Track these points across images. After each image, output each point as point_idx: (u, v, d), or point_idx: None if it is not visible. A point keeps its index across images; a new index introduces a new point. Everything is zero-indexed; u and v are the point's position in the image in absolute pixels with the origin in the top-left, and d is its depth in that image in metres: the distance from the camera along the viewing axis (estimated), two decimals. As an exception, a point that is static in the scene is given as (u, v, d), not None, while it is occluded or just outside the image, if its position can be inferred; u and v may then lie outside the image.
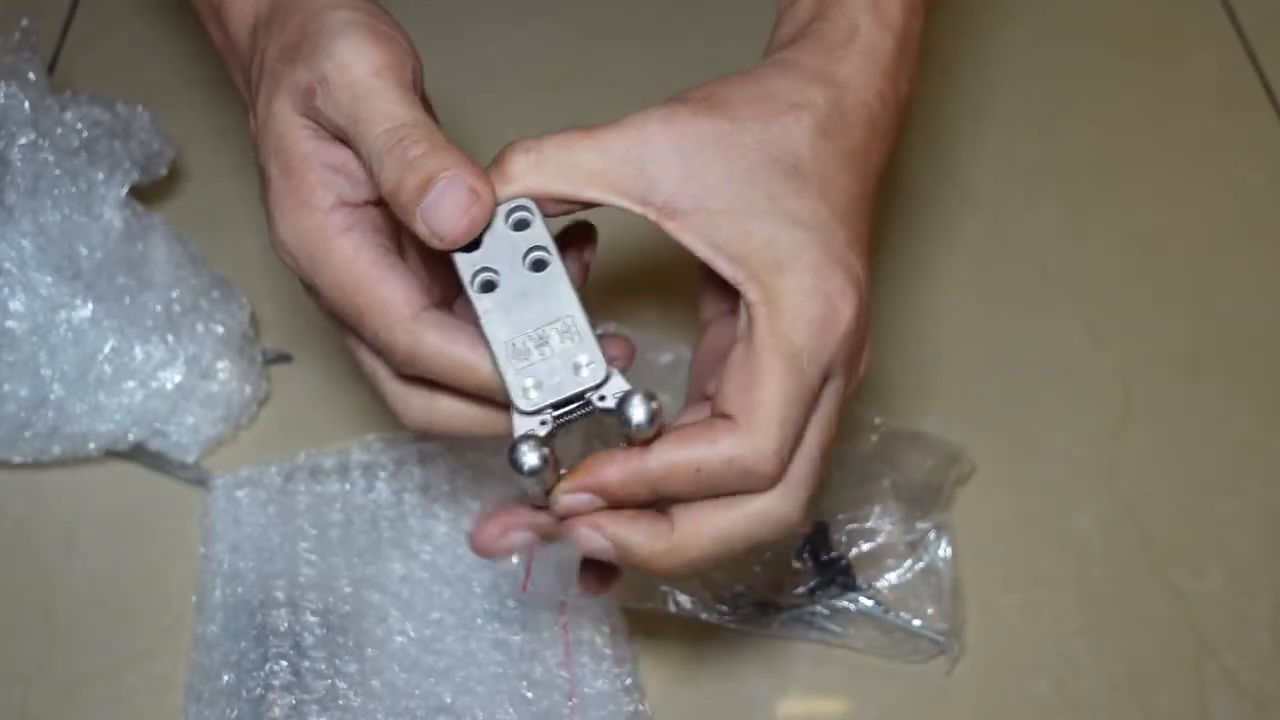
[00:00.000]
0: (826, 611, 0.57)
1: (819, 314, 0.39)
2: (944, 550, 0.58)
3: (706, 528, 0.40)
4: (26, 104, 0.60)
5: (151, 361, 0.60)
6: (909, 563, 0.58)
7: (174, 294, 0.61)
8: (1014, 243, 0.71)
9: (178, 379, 0.60)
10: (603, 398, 0.39)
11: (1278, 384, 0.66)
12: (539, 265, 0.40)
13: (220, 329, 0.62)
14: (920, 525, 0.59)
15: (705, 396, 0.43)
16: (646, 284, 0.67)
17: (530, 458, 0.38)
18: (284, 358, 0.65)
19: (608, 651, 0.55)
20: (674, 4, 0.82)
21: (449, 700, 0.54)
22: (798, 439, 0.40)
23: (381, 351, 0.42)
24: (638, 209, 0.40)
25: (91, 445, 0.60)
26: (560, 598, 0.56)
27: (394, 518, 0.59)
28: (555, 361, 0.39)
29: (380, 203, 0.43)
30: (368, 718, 0.54)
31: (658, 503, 0.40)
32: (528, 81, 0.78)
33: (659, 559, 0.40)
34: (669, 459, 0.39)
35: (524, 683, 0.55)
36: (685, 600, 0.57)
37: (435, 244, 0.40)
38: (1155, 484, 0.62)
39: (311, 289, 0.44)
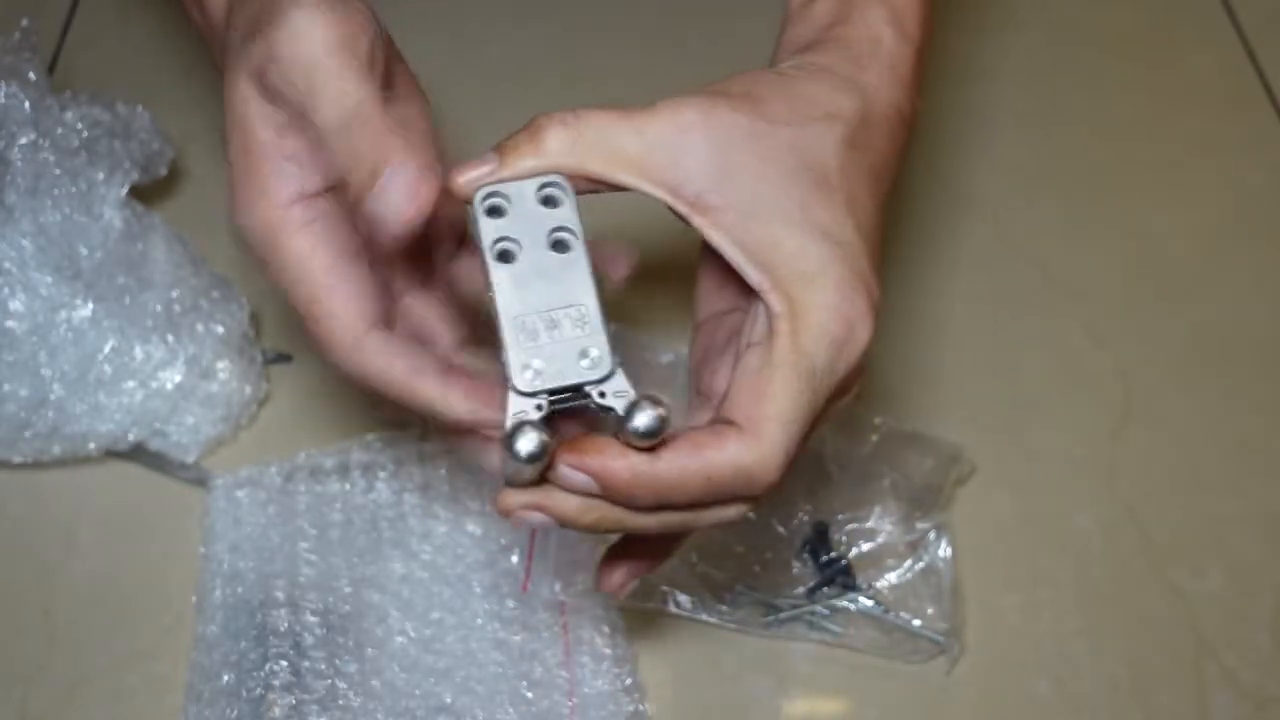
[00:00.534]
0: (826, 611, 0.57)
1: (839, 335, 0.39)
2: (944, 550, 0.58)
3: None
4: (27, 104, 0.60)
5: (151, 361, 0.60)
6: (909, 563, 0.58)
7: (174, 294, 0.61)
8: (1014, 243, 0.71)
9: (178, 379, 0.60)
10: (603, 394, 0.38)
11: (1278, 384, 0.66)
12: (562, 246, 0.39)
13: (220, 329, 0.62)
14: (920, 525, 0.59)
15: (701, 394, 0.43)
16: (646, 283, 0.67)
17: (530, 443, 0.37)
18: (284, 358, 0.65)
19: (608, 651, 0.55)
20: (674, 4, 0.82)
21: (449, 700, 0.54)
22: (798, 454, 0.39)
23: (326, 360, 0.42)
24: (668, 199, 0.39)
25: (91, 445, 0.60)
26: (560, 598, 0.56)
27: (394, 518, 0.59)
28: (562, 347, 0.38)
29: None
30: (368, 718, 0.54)
31: (653, 509, 0.39)
32: (527, 81, 0.78)
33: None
34: (682, 466, 0.38)
35: (524, 683, 0.55)
36: (685, 600, 0.57)
37: (384, 235, 0.39)
38: (1155, 484, 0.62)
39: (263, 272, 0.43)
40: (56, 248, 0.59)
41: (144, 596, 0.58)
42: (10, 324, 0.58)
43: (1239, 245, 0.72)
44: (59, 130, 0.60)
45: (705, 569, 0.58)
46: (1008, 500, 0.62)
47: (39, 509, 0.61)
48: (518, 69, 0.79)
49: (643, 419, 0.37)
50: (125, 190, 0.61)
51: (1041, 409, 0.65)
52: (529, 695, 0.54)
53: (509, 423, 0.37)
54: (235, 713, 0.53)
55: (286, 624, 0.56)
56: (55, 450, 0.60)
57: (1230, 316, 0.68)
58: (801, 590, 0.58)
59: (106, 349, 0.59)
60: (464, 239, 0.48)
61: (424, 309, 0.46)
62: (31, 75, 0.62)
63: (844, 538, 0.59)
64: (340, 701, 0.54)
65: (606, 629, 0.56)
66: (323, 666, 0.54)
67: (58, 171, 0.60)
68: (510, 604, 0.57)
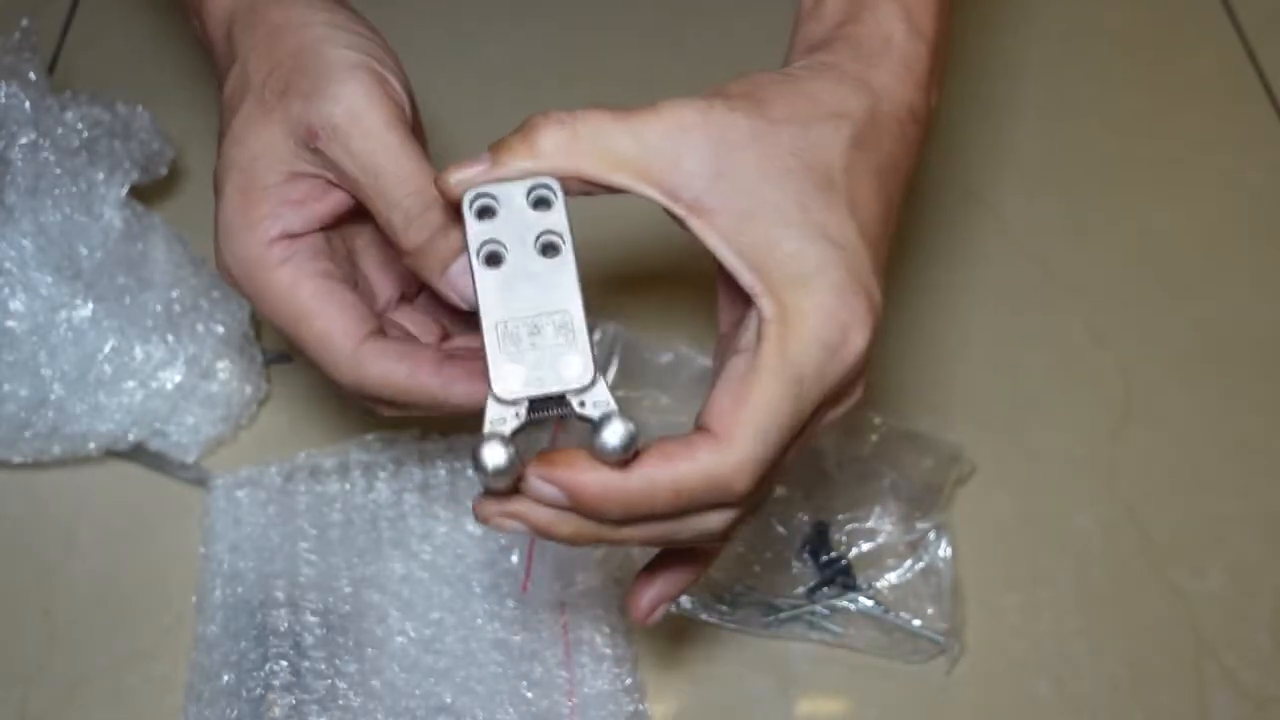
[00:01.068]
0: (826, 611, 0.57)
1: (831, 340, 0.38)
2: (944, 550, 0.58)
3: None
4: (27, 104, 0.60)
5: (151, 361, 0.60)
6: (909, 563, 0.58)
7: (174, 294, 0.61)
8: (1015, 242, 0.71)
9: (178, 379, 0.60)
10: (582, 404, 0.37)
11: (1278, 384, 0.66)
12: (550, 250, 0.38)
13: (220, 329, 0.62)
14: (920, 525, 0.59)
15: None
16: (646, 282, 0.67)
17: (496, 456, 0.36)
18: (284, 358, 0.65)
19: (608, 651, 0.55)
20: (674, 4, 0.82)
21: (449, 700, 0.54)
22: (777, 464, 0.38)
23: (328, 378, 0.43)
24: (664, 201, 0.39)
25: (91, 445, 0.60)
26: (560, 598, 0.56)
27: (394, 518, 0.59)
28: (544, 354, 0.37)
29: (325, 228, 0.45)
30: (368, 718, 0.54)
31: (628, 522, 0.38)
32: (525, 81, 0.77)
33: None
34: (650, 478, 0.37)
35: (524, 683, 0.55)
36: (685, 600, 0.57)
37: (460, 304, 0.42)
38: (1155, 484, 0.62)
39: (256, 310, 0.45)
40: (57, 247, 0.59)
41: (144, 596, 0.58)
42: (10, 324, 0.58)
43: (1239, 244, 0.72)
44: (59, 130, 0.61)
45: (705, 569, 0.58)
46: (1008, 500, 0.62)
47: (39, 509, 0.61)
48: (515, 69, 0.78)
49: (610, 436, 0.36)
50: (125, 190, 0.61)
51: (1041, 408, 0.65)
52: (529, 695, 0.54)
53: (485, 428, 0.37)
54: (235, 713, 0.53)
55: (286, 624, 0.56)
56: (55, 450, 0.60)
57: (1231, 315, 0.68)
58: (801, 590, 0.58)
59: (106, 349, 0.59)
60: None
61: (405, 318, 0.48)
62: (32, 75, 0.62)
63: (844, 538, 0.59)
64: (340, 701, 0.54)
65: (606, 629, 0.56)
66: (323, 666, 0.55)
67: (58, 171, 0.60)
68: (510, 604, 0.57)
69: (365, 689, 0.54)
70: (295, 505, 0.59)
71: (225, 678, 0.54)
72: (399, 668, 0.55)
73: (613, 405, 0.37)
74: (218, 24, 0.46)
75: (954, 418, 0.63)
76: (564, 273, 0.38)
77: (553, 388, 0.37)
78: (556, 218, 0.38)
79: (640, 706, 0.55)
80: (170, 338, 0.60)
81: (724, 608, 0.57)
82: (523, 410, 0.37)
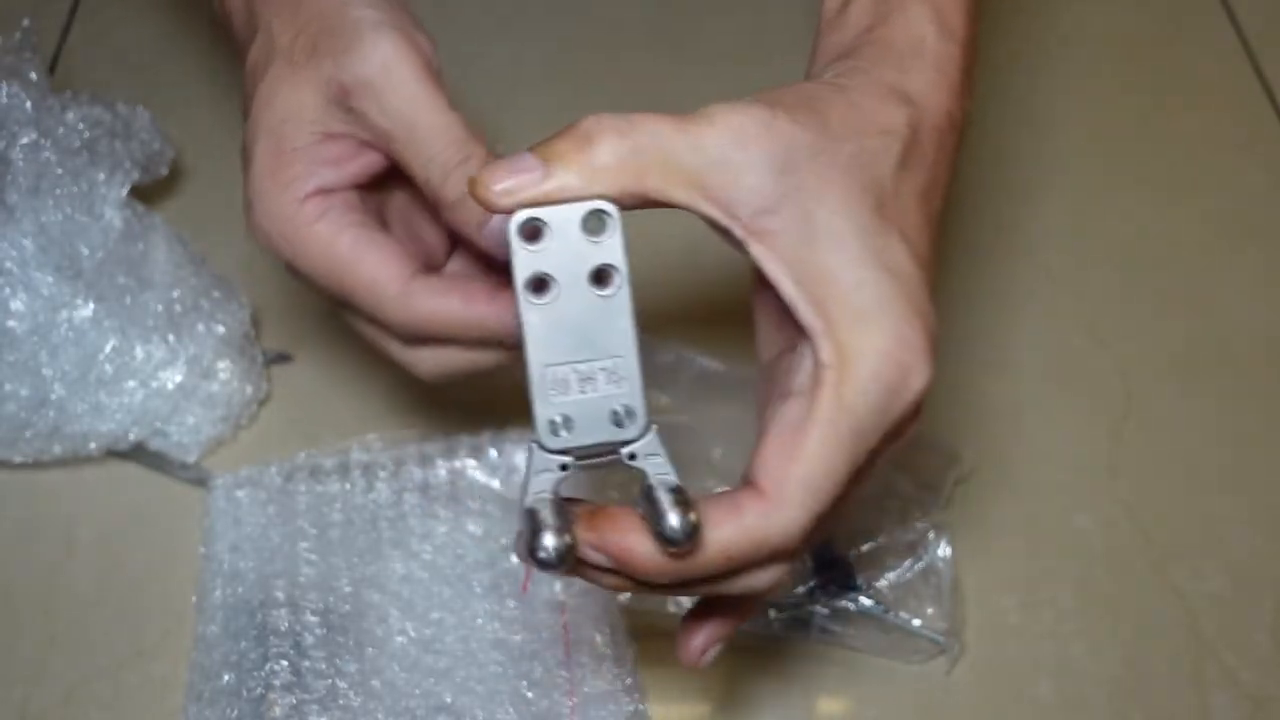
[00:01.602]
0: (826, 611, 0.57)
1: (892, 383, 0.35)
2: (944, 550, 0.58)
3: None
4: (28, 104, 0.60)
5: (152, 361, 0.60)
6: (909, 563, 0.58)
7: (175, 294, 0.61)
8: (1015, 242, 0.71)
9: (178, 379, 0.60)
10: (633, 456, 0.35)
11: (1278, 384, 0.66)
12: (604, 284, 0.35)
13: (221, 329, 0.62)
14: (920, 525, 0.59)
15: None
16: (646, 282, 0.67)
17: (552, 547, 0.34)
18: (284, 358, 0.65)
19: (608, 651, 0.55)
20: (678, 5, 0.82)
21: (449, 700, 0.54)
22: (829, 515, 0.36)
23: (381, 325, 0.43)
24: (723, 220, 0.35)
25: (92, 445, 0.60)
26: (560, 598, 0.56)
27: (394, 518, 0.59)
28: (594, 402, 0.34)
29: (361, 187, 0.44)
30: (368, 717, 0.54)
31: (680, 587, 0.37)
32: (527, 81, 0.77)
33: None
34: (698, 544, 0.35)
35: (524, 683, 0.55)
36: (685, 600, 0.57)
37: (499, 256, 0.40)
38: (1155, 484, 0.62)
39: (294, 272, 0.44)
40: (57, 247, 0.59)
41: (144, 596, 0.58)
42: (11, 324, 0.58)
43: (1239, 245, 0.72)
44: (60, 130, 0.61)
45: (705, 569, 0.58)
46: (1008, 500, 0.62)
47: (39, 509, 0.61)
48: (516, 69, 0.78)
49: (673, 527, 0.33)
50: (126, 190, 0.61)
51: (1041, 409, 0.65)
52: (529, 695, 0.54)
53: (528, 478, 0.35)
54: (235, 713, 0.53)
55: (287, 624, 0.56)
56: (56, 450, 0.60)
57: (1231, 316, 0.68)
58: (801, 590, 0.58)
59: (107, 349, 0.59)
60: None
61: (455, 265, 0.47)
62: (32, 75, 0.62)
63: (844, 538, 0.59)
64: (340, 701, 0.54)
65: (606, 629, 0.56)
66: (323, 666, 0.55)
67: (59, 171, 0.60)
68: (510, 604, 0.57)
69: (365, 689, 0.54)
70: (295, 505, 0.59)
71: (225, 678, 0.54)
72: (399, 667, 0.55)
73: (668, 469, 0.35)
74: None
75: (954, 418, 0.63)
76: (619, 312, 0.35)
77: (603, 438, 0.35)
78: (612, 249, 0.35)
79: (640, 706, 0.55)
80: (171, 337, 0.60)
81: (724, 608, 0.57)
82: (570, 462, 0.35)
